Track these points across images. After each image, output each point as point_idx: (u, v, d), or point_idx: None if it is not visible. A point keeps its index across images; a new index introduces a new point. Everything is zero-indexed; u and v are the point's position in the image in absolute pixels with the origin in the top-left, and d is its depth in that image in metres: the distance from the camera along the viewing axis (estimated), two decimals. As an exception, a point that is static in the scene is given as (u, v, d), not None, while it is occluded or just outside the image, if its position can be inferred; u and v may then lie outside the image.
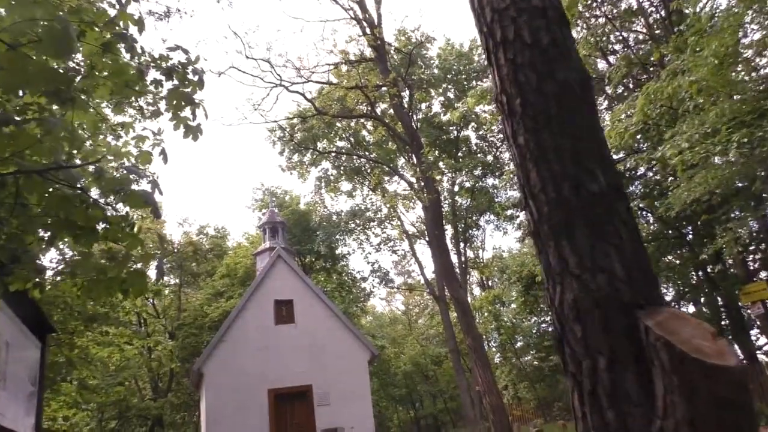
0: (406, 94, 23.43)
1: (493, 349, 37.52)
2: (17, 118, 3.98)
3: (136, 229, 5.24)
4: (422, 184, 18.05)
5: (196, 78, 5.47)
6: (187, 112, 5.63)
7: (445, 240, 17.79)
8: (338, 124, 27.11)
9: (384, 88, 20.10)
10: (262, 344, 19.33)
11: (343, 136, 31.28)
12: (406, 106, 20.73)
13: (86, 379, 16.24)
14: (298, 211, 33.61)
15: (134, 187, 5.23)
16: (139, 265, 5.34)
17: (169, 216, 68.66)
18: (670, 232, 19.17)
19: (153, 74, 5.56)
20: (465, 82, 29.18)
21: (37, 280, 5.53)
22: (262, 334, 19.60)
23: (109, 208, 5.09)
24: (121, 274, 5.45)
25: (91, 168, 4.81)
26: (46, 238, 5.35)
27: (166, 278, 35.25)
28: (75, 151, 4.96)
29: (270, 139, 29.14)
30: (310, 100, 18.71)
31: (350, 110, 20.17)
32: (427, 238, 33.57)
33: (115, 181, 4.90)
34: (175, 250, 33.70)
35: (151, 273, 33.69)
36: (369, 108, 19.23)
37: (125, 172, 5.04)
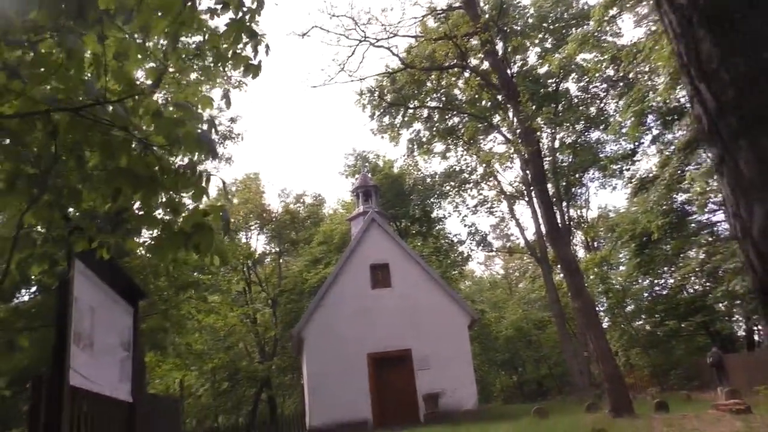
0: (499, 45, 21.93)
1: (601, 313, 35.48)
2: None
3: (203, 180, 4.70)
4: (520, 137, 16.75)
5: (254, 4, 4.78)
6: (248, 51, 4.97)
7: (548, 195, 16.45)
8: (428, 84, 26.04)
9: (475, 39, 18.81)
10: (359, 308, 19.11)
11: (434, 96, 30.16)
12: (500, 54, 19.26)
13: (192, 344, 16.80)
14: (391, 175, 33.09)
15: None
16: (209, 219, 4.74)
17: (269, 187, 70.96)
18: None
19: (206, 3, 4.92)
20: (563, 30, 26.99)
21: (102, 241, 5.12)
22: (359, 299, 19.38)
23: (165, 152, 4.56)
24: (186, 228, 4.90)
25: (140, 110, 4.26)
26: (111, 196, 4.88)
27: (266, 247, 36.28)
28: (116, 86, 4.39)
29: (359, 102, 28.63)
30: (396, 54, 17.78)
31: (440, 64, 19.07)
32: (526, 198, 32.08)
33: (171, 120, 4.31)
34: (273, 219, 34.43)
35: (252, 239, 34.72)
36: (460, 60, 18.04)
37: (178, 108, 4.44)
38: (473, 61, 22.11)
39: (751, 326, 30.00)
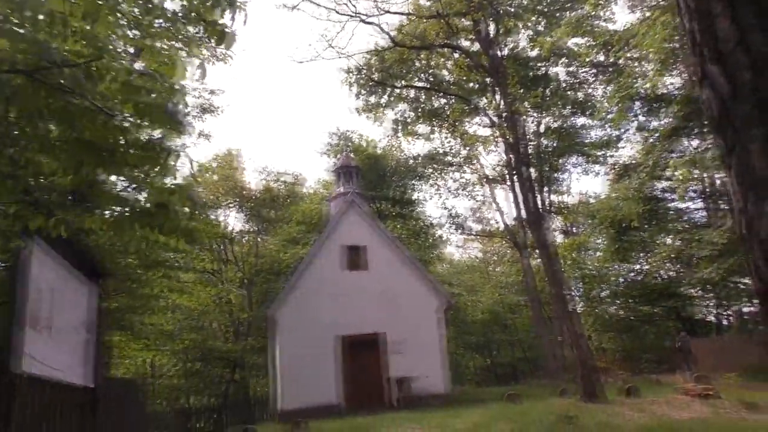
0: (491, 27, 21.56)
1: (576, 298, 35.80)
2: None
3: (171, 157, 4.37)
4: (506, 121, 16.50)
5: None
6: (226, 18, 4.60)
7: (530, 180, 16.31)
8: (417, 63, 25.62)
9: (467, 20, 18.44)
10: (334, 291, 18.89)
11: (422, 76, 29.73)
12: (491, 35, 18.90)
13: (163, 324, 16.43)
14: (373, 156, 32.70)
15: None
16: (173, 197, 4.43)
17: (249, 164, 69.99)
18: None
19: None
20: (557, 14, 26.66)
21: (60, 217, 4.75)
22: (334, 281, 19.16)
23: (132, 125, 4.21)
24: (150, 207, 4.60)
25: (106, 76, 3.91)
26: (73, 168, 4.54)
27: (243, 226, 35.74)
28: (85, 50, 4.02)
29: (346, 81, 28.07)
30: (386, 31, 17.33)
31: (430, 43, 18.66)
32: (508, 182, 31.99)
33: (132, 87, 3.96)
34: (252, 197, 33.87)
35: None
36: (450, 40, 17.66)
37: (145, 77, 4.09)
38: (464, 42, 21.75)
39: (720, 312, 30.58)
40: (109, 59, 4.14)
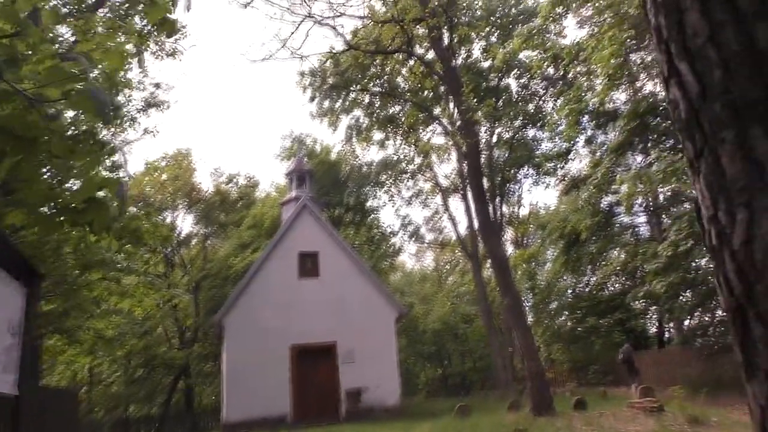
0: (446, 35, 21.69)
1: (527, 309, 36.27)
2: None
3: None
4: (460, 129, 16.55)
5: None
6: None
7: (483, 190, 16.33)
8: (372, 69, 25.53)
9: (422, 28, 18.44)
10: (285, 298, 18.46)
11: (377, 82, 29.69)
12: (445, 43, 18.95)
13: (103, 329, 15.63)
14: (327, 162, 32.39)
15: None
16: (101, 193, 4.07)
17: (201, 165, 68.55)
18: None
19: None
20: (510, 26, 27.13)
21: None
22: (285, 288, 18.72)
23: (57, 111, 3.86)
24: (77, 203, 4.21)
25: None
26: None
27: (193, 228, 34.76)
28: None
29: (300, 84, 27.74)
30: (341, 34, 17.11)
31: (385, 48, 18.58)
32: (461, 192, 32.20)
33: (61, 72, 3.60)
34: (203, 199, 33.00)
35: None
36: (406, 46, 17.60)
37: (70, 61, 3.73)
38: (419, 50, 21.76)
39: (663, 325, 31.47)
40: (35, 40, 3.78)
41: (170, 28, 4.29)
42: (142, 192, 29.56)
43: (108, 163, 14.14)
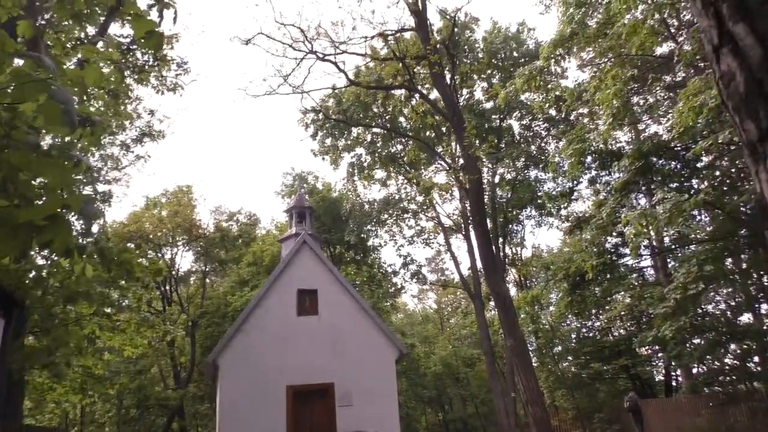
0: (447, 75, 21.80)
1: (530, 353, 35.51)
2: None
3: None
4: (462, 165, 16.38)
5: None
6: (153, 15, 4.16)
7: (486, 227, 16.03)
8: (374, 108, 25.64)
9: (424, 69, 18.54)
10: (282, 336, 17.91)
11: (379, 122, 29.81)
12: (447, 80, 18.99)
13: (92, 367, 15.12)
14: (328, 199, 32.21)
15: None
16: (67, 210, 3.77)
17: (201, 201, 68.47)
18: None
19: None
20: (512, 69, 27.33)
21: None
22: (282, 326, 18.18)
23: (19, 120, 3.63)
24: (37, 220, 3.90)
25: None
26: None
27: (193, 265, 34.40)
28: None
29: (302, 122, 27.83)
30: (343, 70, 17.11)
31: (387, 84, 18.61)
32: (463, 231, 31.91)
33: (24, 77, 3.36)
34: (203, 235, 32.72)
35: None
36: (408, 83, 17.61)
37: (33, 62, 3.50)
38: (421, 90, 21.82)
39: (670, 372, 30.66)
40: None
41: (157, 41, 4.11)
42: (141, 228, 29.35)
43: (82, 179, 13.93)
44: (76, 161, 3.55)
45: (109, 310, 13.57)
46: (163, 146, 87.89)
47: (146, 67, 18.89)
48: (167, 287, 31.34)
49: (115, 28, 18.48)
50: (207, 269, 33.62)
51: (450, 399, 41.66)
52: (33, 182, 3.40)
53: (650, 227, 15.49)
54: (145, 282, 13.75)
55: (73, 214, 3.40)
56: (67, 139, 4.95)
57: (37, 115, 3.51)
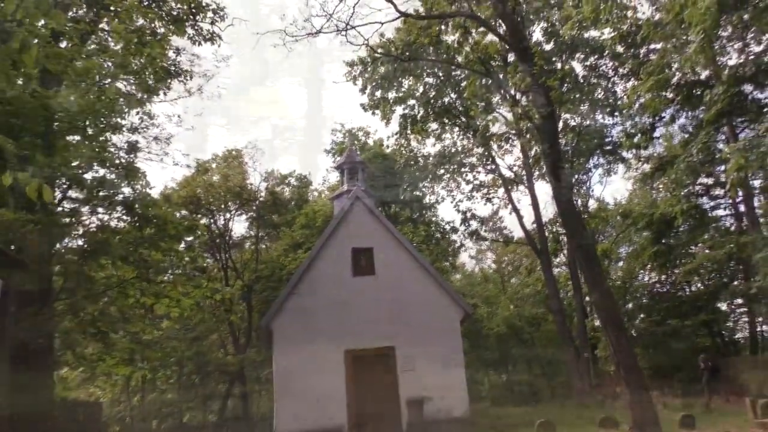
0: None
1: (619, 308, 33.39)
2: None
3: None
4: (531, 100, 14.46)
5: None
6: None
7: (563, 168, 14.09)
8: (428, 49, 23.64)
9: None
10: (337, 298, 16.74)
11: (431, 71, 27.82)
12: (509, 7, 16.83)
13: (139, 334, 14.38)
14: (380, 155, 30.70)
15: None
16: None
17: (251, 165, 68.33)
18: None
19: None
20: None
21: None
22: (337, 287, 17.00)
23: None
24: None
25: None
26: None
27: (246, 230, 33.74)
28: None
29: (350, 74, 26.19)
30: (392, 2, 15.14)
31: (443, 12, 16.65)
32: (526, 183, 29.86)
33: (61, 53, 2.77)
34: (255, 200, 31.88)
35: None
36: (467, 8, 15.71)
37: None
38: (481, 17, 19.74)
39: (755, 327, 28.25)
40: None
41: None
42: (192, 192, 28.73)
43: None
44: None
45: (148, 272, 12.64)
46: (204, 104, 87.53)
47: (182, 15, 17.58)
48: (221, 254, 30.83)
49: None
50: (259, 235, 32.90)
51: (514, 361, 40.14)
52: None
53: (756, 161, 13.23)
54: (188, 243, 12.94)
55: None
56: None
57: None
